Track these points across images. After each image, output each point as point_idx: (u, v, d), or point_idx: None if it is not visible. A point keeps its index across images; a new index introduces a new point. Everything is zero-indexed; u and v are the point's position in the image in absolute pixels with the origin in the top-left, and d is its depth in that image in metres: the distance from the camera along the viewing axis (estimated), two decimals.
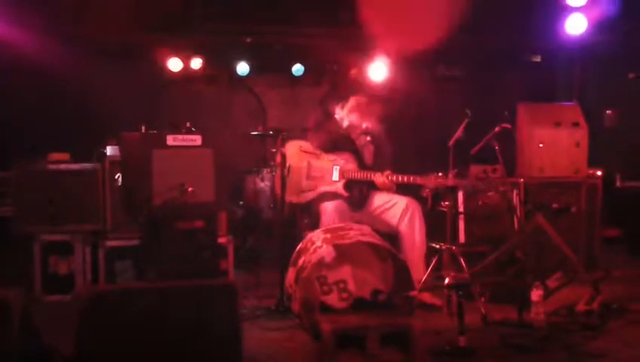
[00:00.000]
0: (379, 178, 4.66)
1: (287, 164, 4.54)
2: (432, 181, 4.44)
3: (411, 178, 4.56)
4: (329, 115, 5.02)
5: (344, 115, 4.93)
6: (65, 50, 5.85)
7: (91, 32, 5.89)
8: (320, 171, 4.84)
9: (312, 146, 4.88)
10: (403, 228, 4.61)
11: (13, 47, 5.52)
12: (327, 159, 4.86)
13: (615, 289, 4.69)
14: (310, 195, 4.80)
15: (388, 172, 4.65)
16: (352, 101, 4.94)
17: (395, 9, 5.43)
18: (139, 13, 5.85)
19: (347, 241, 3.85)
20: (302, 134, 5.06)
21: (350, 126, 4.95)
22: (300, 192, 4.80)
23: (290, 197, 4.72)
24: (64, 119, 6.11)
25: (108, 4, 5.65)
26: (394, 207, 4.69)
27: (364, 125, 4.92)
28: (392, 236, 4.63)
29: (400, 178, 4.61)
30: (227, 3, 6.03)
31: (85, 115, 6.23)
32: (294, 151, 4.82)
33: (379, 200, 4.79)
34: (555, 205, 4.85)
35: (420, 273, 4.46)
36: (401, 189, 4.80)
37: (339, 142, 4.91)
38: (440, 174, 4.43)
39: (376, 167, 4.80)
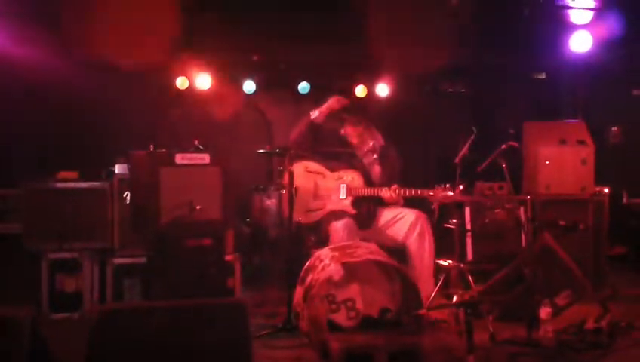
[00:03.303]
0: (386, 193, 4.67)
1: (295, 185, 4.54)
2: (439, 194, 4.45)
3: (418, 191, 4.57)
4: (334, 132, 5.03)
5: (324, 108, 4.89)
6: (74, 68, 5.90)
7: (99, 51, 5.94)
8: (327, 190, 4.86)
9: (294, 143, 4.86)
10: (412, 241, 4.61)
11: (23, 65, 5.57)
12: (333, 178, 4.88)
13: (623, 308, 4.66)
14: (318, 215, 4.81)
15: (395, 186, 4.66)
16: (332, 100, 4.93)
17: (401, 28, 5.48)
18: (146, 33, 5.90)
19: (355, 259, 3.85)
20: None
21: (355, 144, 4.97)
22: (307, 212, 4.81)
23: (298, 217, 4.73)
24: (73, 138, 6.15)
25: (116, 24, 5.70)
26: (402, 220, 4.70)
27: (370, 143, 4.94)
28: (400, 250, 4.64)
29: (407, 191, 4.62)
30: (234, 22, 6.08)
31: (94, 133, 6.27)
32: (301, 171, 4.83)
33: (387, 214, 4.79)
34: (562, 222, 4.85)
35: (430, 287, 4.45)
36: (409, 203, 4.81)
37: (344, 160, 4.93)
38: (447, 186, 4.44)
39: (384, 184, 4.81)
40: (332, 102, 4.89)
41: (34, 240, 4.74)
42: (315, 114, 4.86)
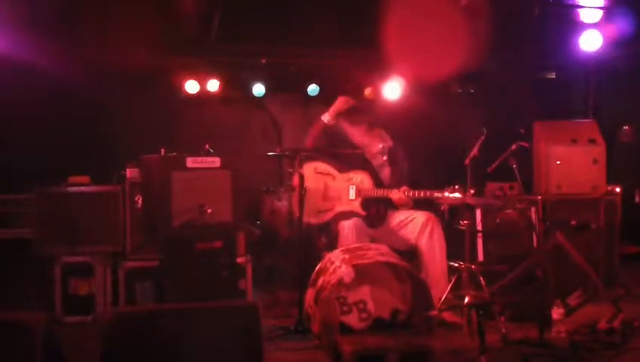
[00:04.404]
0: (395, 194, 4.67)
1: (304, 186, 4.55)
2: (448, 196, 4.44)
3: (428, 193, 4.56)
4: (343, 133, 5.03)
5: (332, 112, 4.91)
6: (84, 73, 5.94)
7: (109, 55, 5.98)
8: (336, 191, 4.87)
9: (310, 145, 4.88)
10: (423, 243, 4.60)
11: (32, 70, 5.61)
12: (343, 179, 4.89)
13: (636, 307, 4.64)
14: (328, 216, 4.82)
15: (404, 187, 4.66)
16: (339, 101, 4.94)
17: (410, 29, 5.47)
18: (155, 37, 5.94)
19: (366, 261, 3.86)
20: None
21: (364, 145, 4.97)
22: (317, 213, 4.83)
23: (308, 219, 4.74)
24: (84, 142, 6.19)
25: (125, 28, 5.74)
26: (413, 222, 4.69)
27: (380, 145, 4.95)
28: (411, 253, 4.63)
29: (417, 193, 4.61)
30: (242, 25, 6.11)
31: (105, 137, 6.31)
32: (310, 172, 4.84)
33: (398, 216, 4.79)
34: (573, 222, 4.83)
35: (442, 289, 4.44)
36: (419, 205, 4.80)
37: (354, 161, 4.93)
38: (456, 187, 4.43)
39: (393, 185, 4.81)
40: (339, 103, 4.92)
41: (46, 245, 4.78)
42: (326, 117, 4.89)
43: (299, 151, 4.63)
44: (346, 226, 4.62)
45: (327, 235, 4.96)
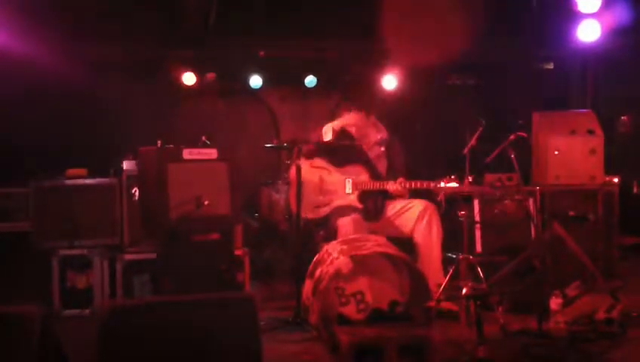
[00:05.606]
0: (392, 185, 4.67)
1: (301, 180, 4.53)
2: (445, 186, 4.43)
3: (424, 183, 4.57)
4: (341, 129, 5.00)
5: (336, 127, 4.89)
6: (81, 65, 5.92)
7: (107, 47, 5.96)
8: (333, 185, 4.85)
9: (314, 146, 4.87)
10: (419, 231, 4.60)
11: (31, 64, 5.59)
12: (339, 173, 4.87)
13: (634, 297, 4.64)
14: (325, 210, 4.81)
15: (401, 179, 4.67)
16: (347, 117, 4.92)
17: (408, 20, 5.46)
18: (153, 29, 5.92)
19: (364, 252, 3.85)
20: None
21: (361, 137, 4.95)
22: (314, 208, 4.81)
23: (305, 214, 4.72)
24: (81, 135, 6.18)
25: (123, 20, 5.72)
26: (410, 210, 4.70)
27: (378, 136, 4.93)
28: (407, 241, 4.62)
29: (413, 184, 4.61)
30: (240, 17, 6.08)
31: (102, 130, 6.29)
32: (306, 167, 4.81)
33: (395, 205, 4.80)
34: (572, 213, 4.82)
35: (439, 277, 4.45)
36: (416, 195, 4.80)
37: (351, 155, 4.92)
38: (453, 177, 4.43)
39: (390, 177, 4.80)
40: (350, 119, 4.88)
41: (44, 238, 4.78)
42: (327, 134, 4.84)
43: (296, 143, 4.61)
44: (346, 223, 4.61)
45: (325, 230, 4.95)
